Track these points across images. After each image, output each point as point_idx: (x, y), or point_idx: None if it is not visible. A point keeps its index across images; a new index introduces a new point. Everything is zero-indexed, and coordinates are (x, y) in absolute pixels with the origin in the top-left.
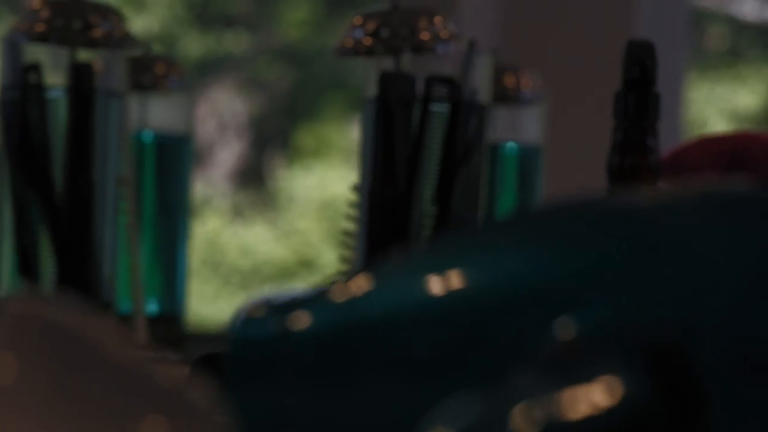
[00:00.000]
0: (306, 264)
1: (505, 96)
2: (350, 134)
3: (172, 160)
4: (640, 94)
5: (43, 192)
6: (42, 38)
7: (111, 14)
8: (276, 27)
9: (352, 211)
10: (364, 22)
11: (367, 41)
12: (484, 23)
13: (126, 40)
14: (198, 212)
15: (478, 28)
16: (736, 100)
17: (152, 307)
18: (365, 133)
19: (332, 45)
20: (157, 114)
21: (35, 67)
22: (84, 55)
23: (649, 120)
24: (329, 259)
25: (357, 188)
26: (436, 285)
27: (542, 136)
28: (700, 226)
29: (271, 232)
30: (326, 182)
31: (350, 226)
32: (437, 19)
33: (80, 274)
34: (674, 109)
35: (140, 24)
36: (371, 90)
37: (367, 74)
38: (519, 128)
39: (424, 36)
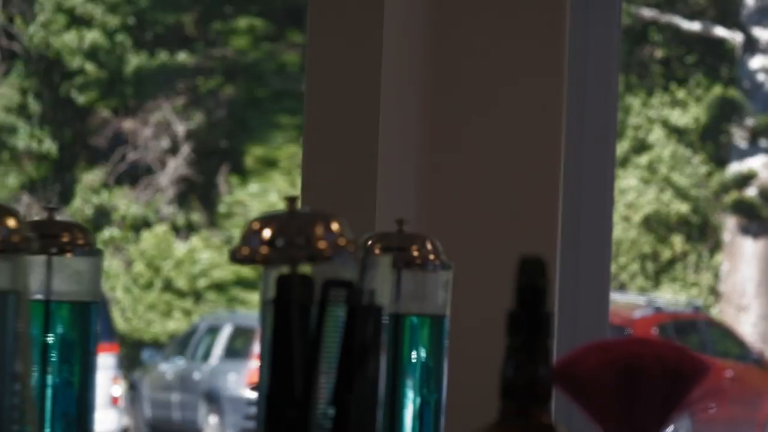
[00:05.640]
0: (250, 280)
1: (411, 264)
2: (297, 151)
3: (77, 327)
4: (533, 314)
5: None
6: None
7: (8, 216)
8: (223, 44)
9: (250, 410)
10: (261, 228)
11: (264, 250)
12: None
13: (25, 242)
14: (143, 228)
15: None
16: (677, 114)
17: None
18: (264, 334)
19: (280, 61)
20: (64, 280)
21: None
22: None
23: (541, 338)
24: None
25: (255, 387)
26: None
27: (448, 304)
28: None
29: (217, 247)
30: (272, 198)
31: (248, 424)
32: (334, 226)
33: None
34: (607, 123)
35: (86, 40)
36: (269, 292)
37: (265, 276)
38: (424, 296)
39: (321, 245)
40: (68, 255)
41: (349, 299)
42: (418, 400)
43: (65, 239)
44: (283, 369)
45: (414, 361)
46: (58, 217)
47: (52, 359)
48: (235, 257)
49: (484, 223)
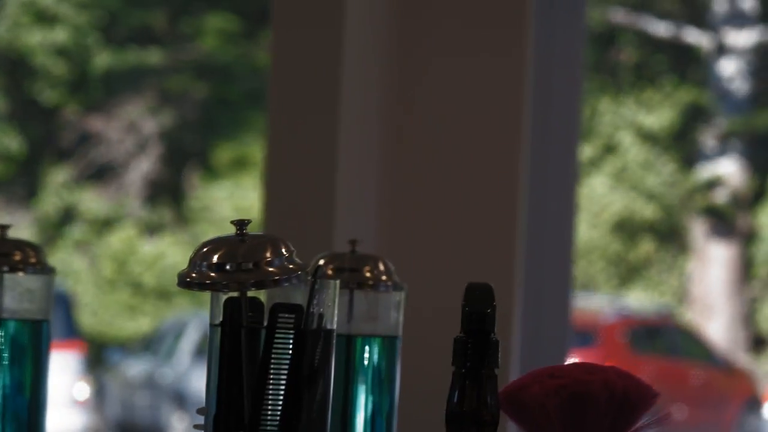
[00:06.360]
0: None
1: (363, 285)
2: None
3: (29, 345)
4: (479, 342)
5: None
6: None
7: None
8: (193, 41)
9: None
10: (210, 253)
11: (212, 275)
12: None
13: None
14: (111, 227)
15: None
16: (646, 118)
17: None
18: (212, 357)
19: (252, 60)
20: (15, 298)
21: None
22: None
23: (487, 367)
24: None
25: (202, 411)
26: None
27: (400, 325)
28: None
29: (186, 247)
30: (242, 198)
31: None
32: (284, 250)
33: None
34: (570, 127)
35: (53, 38)
36: (218, 316)
37: (214, 300)
38: (377, 317)
39: (269, 270)
40: (20, 273)
41: (298, 323)
42: (370, 420)
43: (17, 258)
44: (232, 393)
45: (366, 382)
46: (24, 219)
47: (4, 363)
48: (183, 282)
49: (445, 237)
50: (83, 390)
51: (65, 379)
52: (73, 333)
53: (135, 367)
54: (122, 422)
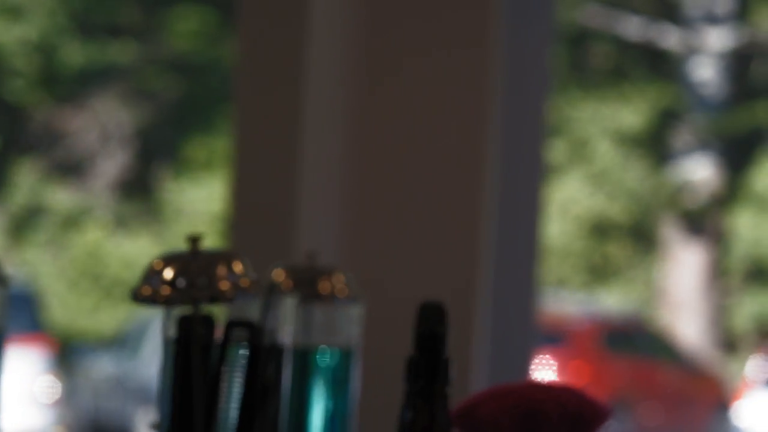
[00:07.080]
0: None
1: (321, 298)
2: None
3: None
4: (431, 360)
5: None
6: None
7: None
8: (166, 37)
9: None
10: (163, 268)
11: (165, 290)
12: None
13: None
14: (81, 224)
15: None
16: (620, 119)
17: None
18: (164, 373)
19: (225, 57)
20: None
21: None
22: None
23: (439, 385)
24: None
25: (155, 427)
26: None
27: (358, 338)
28: None
29: (156, 244)
30: (215, 195)
31: None
32: (236, 266)
33: None
34: (535, 130)
35: (18, 33)
36: (171, 331)
37: (167, 315)
38: (334, 330)
39: (223, 285)
40: None
41: (251, 339)
42: None
43: None
44: (184, 408)
45: (322, 394)
46: None
47: None
48: (137, 297)
49: (410, 238)
50: (52, 385)
51: (32, 376)
52: (37, 328)
53: (103, 364)
54: (90, 418)
